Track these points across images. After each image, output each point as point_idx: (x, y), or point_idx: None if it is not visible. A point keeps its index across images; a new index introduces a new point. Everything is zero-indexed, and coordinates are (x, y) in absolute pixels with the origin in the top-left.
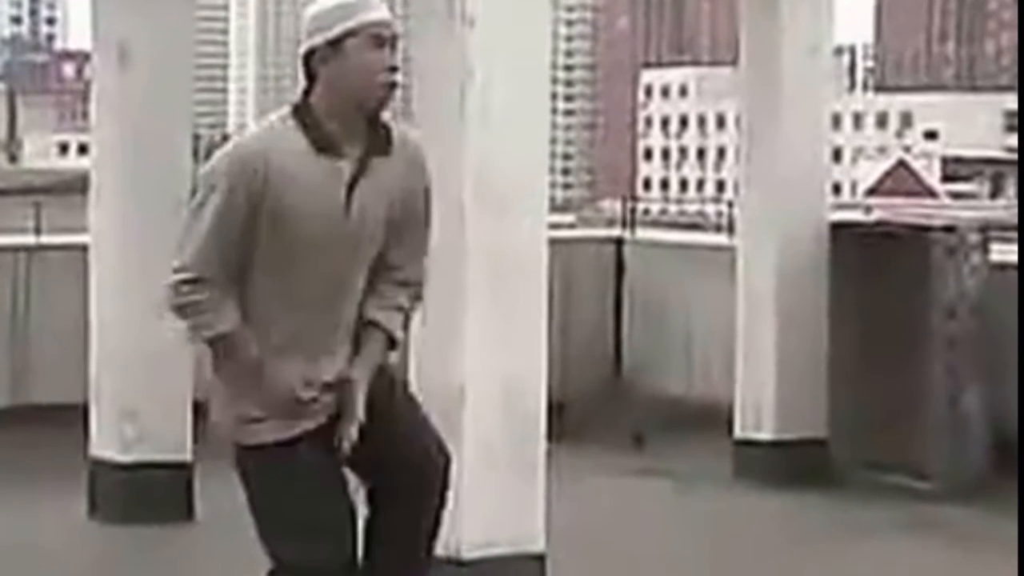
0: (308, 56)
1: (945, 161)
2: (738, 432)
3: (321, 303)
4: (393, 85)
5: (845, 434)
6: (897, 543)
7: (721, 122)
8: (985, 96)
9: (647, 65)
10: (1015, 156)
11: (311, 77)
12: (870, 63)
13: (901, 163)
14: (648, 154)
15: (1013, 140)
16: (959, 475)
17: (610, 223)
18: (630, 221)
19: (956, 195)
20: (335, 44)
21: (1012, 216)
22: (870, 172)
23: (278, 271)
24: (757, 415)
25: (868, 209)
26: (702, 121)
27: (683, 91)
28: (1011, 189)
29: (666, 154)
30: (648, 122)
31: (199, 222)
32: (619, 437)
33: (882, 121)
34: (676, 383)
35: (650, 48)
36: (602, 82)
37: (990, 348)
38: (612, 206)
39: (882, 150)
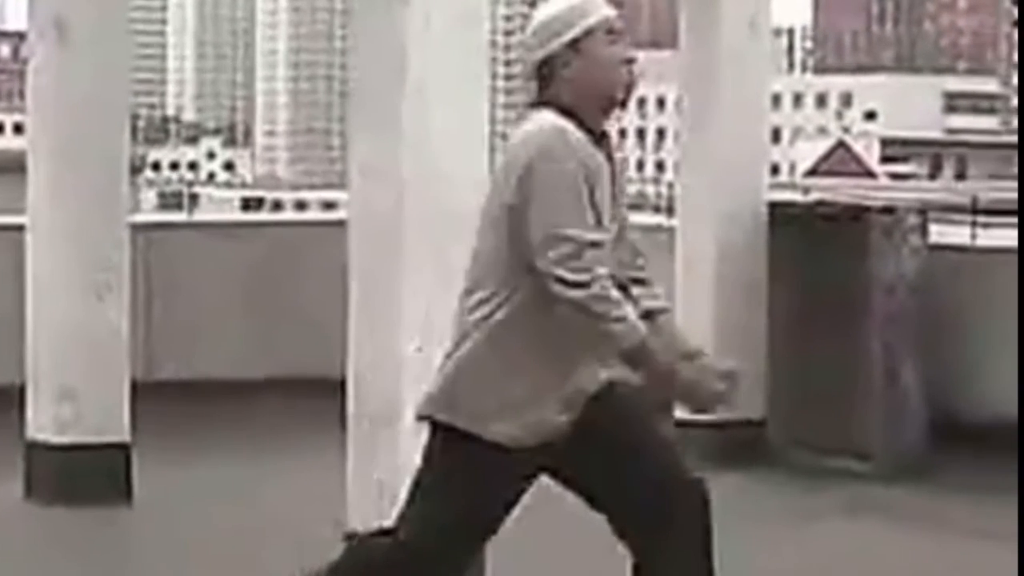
0: (545, 62)
1: (884, 142)
2: (676, 414)
3: None
4: (633, 78)
5: (784, 415)
6: (838, 525)
7: (661, 104)
8: (924, 77)
9: None
10: (954, 137)
11: (546, 83)
12: (810, 44)
13: (840, 144)
14: None
15: (952, 121)
16: (898, 455)
17: None
18: None
19: (895, 176)
20: (574, 45)
21: (950, 197)
22: (809, 153)
23: None
24: None
25: (807, 190)
26: (642, 103)
27: None
28: (949, 170)
29: None
30: None
31: (564, 193)
32: None
33: (822, 102)
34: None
35: None
36: None
37: (928, 328)
38: None
39: (822, 131)
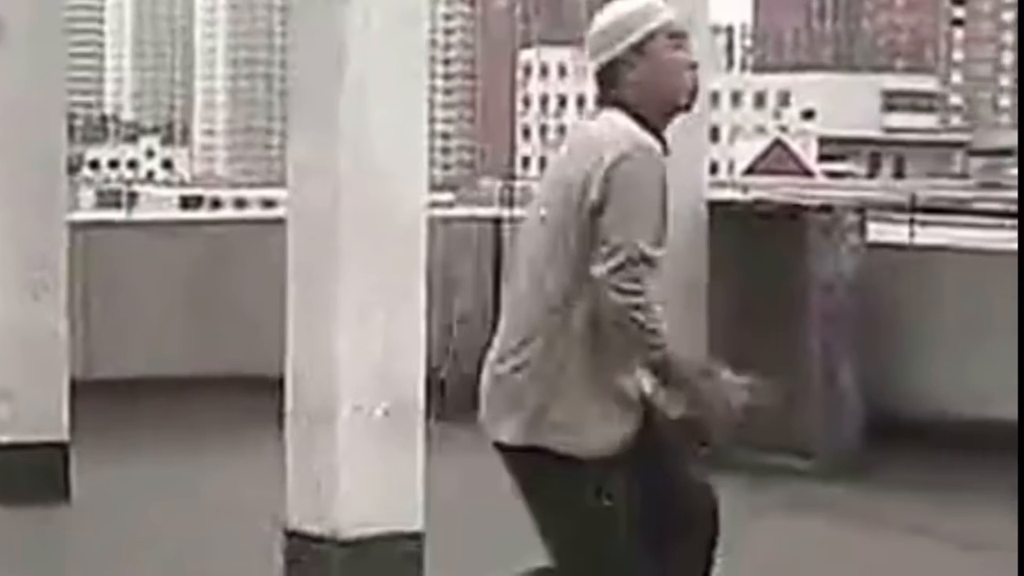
0: (610, 64)
1: (822, 141)
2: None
3: None
4: (696, 83)
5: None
6: (778, 522)
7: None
8: (863, 76)
9: (526, 44)
10: (892, 136)
11: (611, 85)
12: (748, 42)
13: (778, 143)
14: (527, 133)
15: (890, 120)
16: (837, 452)
17: (489, 202)
18: (509, 200)
19: (833, 175)
20: (638, 48)
21: (888, 196)
22: (748, 152)
23: None
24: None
25: (745, 188)
26: (581, 101)
27: (562, 71)
28: (887, 169)
29: (544, 133)
30: (527, 101)
31: (644, 202)
32: None
33: (760, 100)
34: None
35: (529, 27)
36: (481, 62)
37: (866, 326)
38: (491, 185)
39: (760, 130)
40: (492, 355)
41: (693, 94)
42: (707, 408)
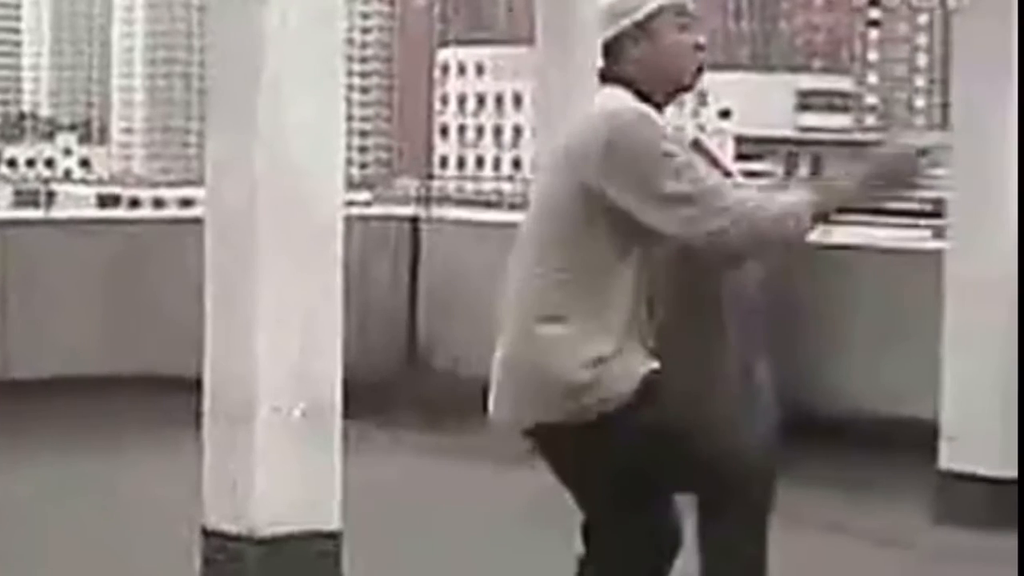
0: (616, 39)
1: (739, 140)
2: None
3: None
4: (701, 64)
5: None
6: (693, 520)
7: (518, 101)
8: (779, 76)
9: (444, 43)
10: (808, 136)
11: (614, 60)
12: None
13: (695, 142)
14: (445, 132)
15: (805, 120)
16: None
17: (407, 201)
18: (426, 199)
19: (750, 174)
20: (643, 25)
21: None
22: None
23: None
24: None
25: None
26: (499, 100)
27: (480, 69)
28: (803, 169)
29: (463, 132)
30: (445, 100)
31: (657, 156)
32: (415, 416)
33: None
34: (472, 361)
35: (447, 26)
36: (398, 60)
37: (782, 324)
38: (409, 184)
39: (678, 129)
40: (503, 340)
41: (697, 74)
42: (889, 176)
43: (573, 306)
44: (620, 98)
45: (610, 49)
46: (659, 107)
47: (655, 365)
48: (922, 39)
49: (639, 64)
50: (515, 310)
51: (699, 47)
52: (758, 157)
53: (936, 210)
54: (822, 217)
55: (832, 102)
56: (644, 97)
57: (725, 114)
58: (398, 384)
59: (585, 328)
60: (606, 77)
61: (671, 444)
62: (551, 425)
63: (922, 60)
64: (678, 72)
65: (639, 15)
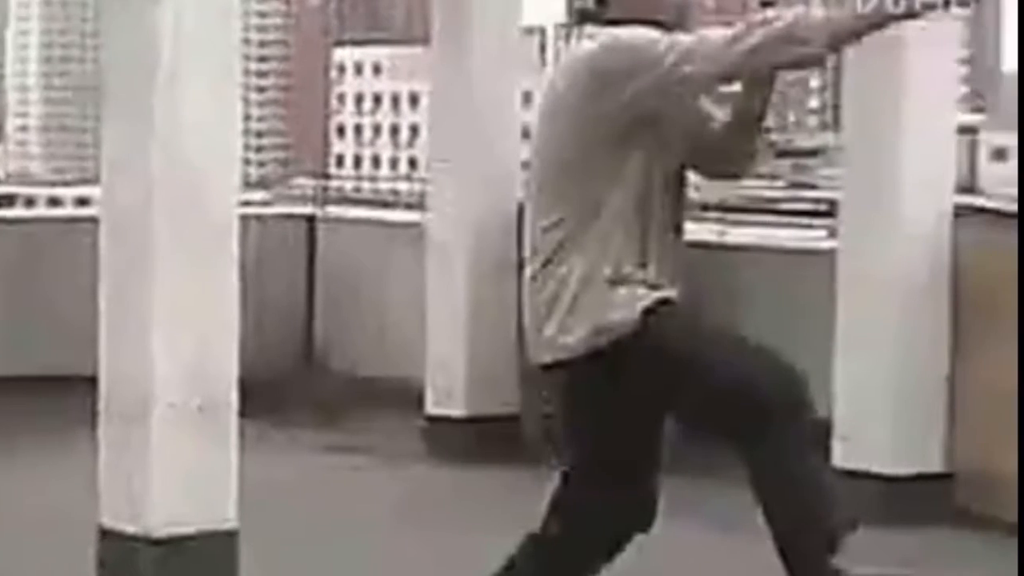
0: None
1: None
2: (430, 408)
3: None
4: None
5: (537, 410)
6: None
7: (414, 100)
8: None
9: (340, 43)
10: None
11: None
12: (562, 43)
13: None
14: (341, 131)
15: None
16: None
17: (303, 200)
18: (322, 198)
19: None
20: None
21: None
22: None
23: (656, 166)
24: (449, 392)
25: None
26: (395, 99)
27: (377, 69)
28: None
29: (359, 131)
30: (341, 99)
31: (643, 39)
32: (312, 415)
33: None
34: (369, 360)
35: (344, 25)
36: (295, 60)
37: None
38: (306, 184)
39: None
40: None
41: (682, 10)
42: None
43: (572, 247)
44: (591, 38)
45: None
46: None
47: (661, 295)
48: None
49: (625, 4)
50: (528, 264)
51: None
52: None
53: (830, 210)
54: (842, 39)
55: (723, 101)
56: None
57: None
58: (294, 383)
59: (586, 262)
60: (589, 15)
61: (688, 375)
62: (559, 361)
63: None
64: (669, 8)
65: None
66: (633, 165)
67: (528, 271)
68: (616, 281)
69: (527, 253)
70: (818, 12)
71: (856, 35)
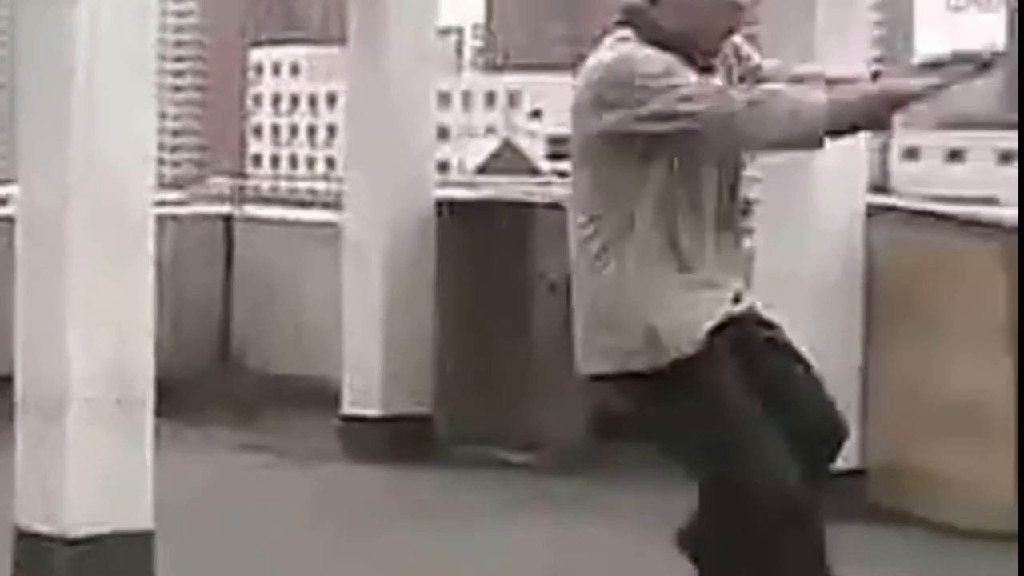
0: None
1: (551, 140)
2: (346, 408)
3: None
4: (735, 24)
5: (452, 409)
6: (501, 517)
7: (332, 100)
8: None
9: (257, 43)
10: None
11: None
12: (479, 43)
13: (508, 142)
14: (258, 132)
15: None
16: (562, 447)
17: (220, 200)
18: (239, 198)
19: (561, 174)
20: None
21: None
22: (479, 151)
23: (684, 178)
24: (365, 391)
25: (476, 187)
26: (313, 99)
27: (294, 69)
28: None
29: (276, 131)
30: (258, 100)
31: (646, 65)
32: (228, 414)
33: (490, 100)
34: (285, 360)
35: (260, 25)
36: (211, 59)
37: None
38: (223, 183)
39: (490, 129)
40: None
41: (727, 35)
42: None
43: (611, 248)
44: (614, 45)
45: None
46: (686, 56)
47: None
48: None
49: (677, 6)
50: (573, 266)
51: (739, 7)
52: (568, 157)
53: (747, 208)
54: (839, 130)
55: None
56: (671, 41)
57: (536, 114)
58: (211, 382)
59: (621, 266)
60: (630, 17)
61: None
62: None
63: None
64: (713, 26)
65: None
66: (657, 176)
67: (573, 280)
68: (663, 288)
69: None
70: (820, 95)
71: (855, 125)
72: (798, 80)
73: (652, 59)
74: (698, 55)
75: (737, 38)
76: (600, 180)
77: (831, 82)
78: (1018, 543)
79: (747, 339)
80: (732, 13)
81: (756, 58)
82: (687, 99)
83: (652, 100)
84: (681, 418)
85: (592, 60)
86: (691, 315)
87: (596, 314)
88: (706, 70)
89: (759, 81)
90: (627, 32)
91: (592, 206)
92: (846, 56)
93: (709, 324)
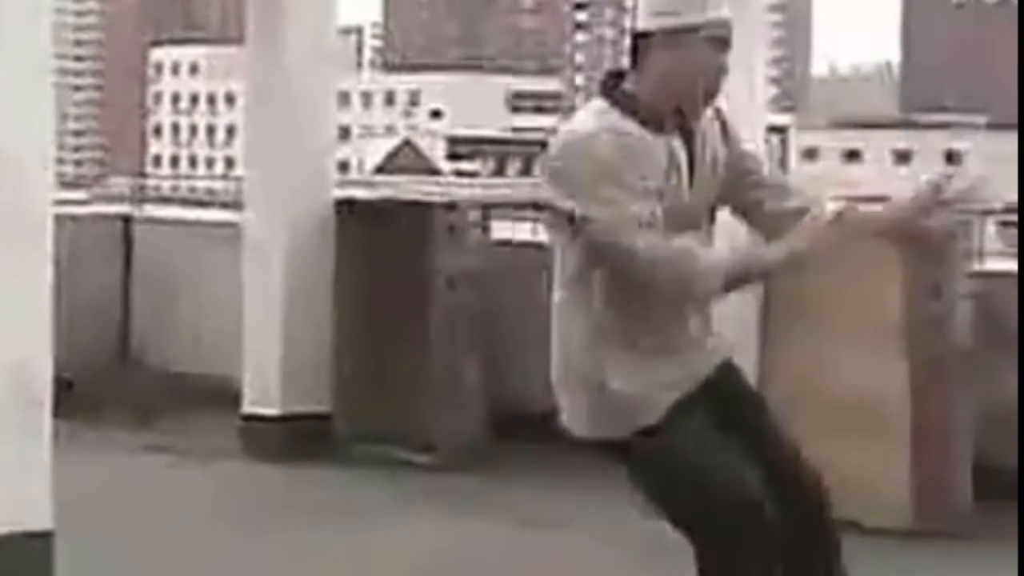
0: (642, 36)
1: (450, 140)
2: (246, 407)
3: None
4: (717, 89)
5: (350, 408)
6: (398, 514)
7: (231, 100)
8: (490, 77)
9: (157, 42)
10: (518, 136)
11: (638, 57)
12: (378, 43)
13: (407, 142)
14: (158, 131)
15: (515, 120)
16: (459, 446)
17: (120, 200)
18: (139, 198)
19: (460, 173)
20: (676, 34)
21: (512, 194)
22: (378, 150)
23: None
24: (264, 390)
25: (375, 186)
26: (212, 99)
27: (194, 68)
28: (514, 168)
29: (176, 131)
30: (158, 99)
31: (616, 204)
32: (127, 414)
33: (390, 100)
34: (185, 359)
35: (160, 25)
36: (111, 59)
37: (488, 321)
38: (122, 183)
39: (389, 129)
40: None
41: (708, 103)
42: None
43: (576, 317)
44: (584, 120)
45: (637, 45)
46: (659, 123)
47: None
48: (628, 41)
49: (656, 72)
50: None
51: (724, 71)
52: (469, 157)
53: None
54: (736, 284)
55: (542, 104)
56: (646, 110)
57: (437, 114)
58: (110, 382)
59: (581, 337)
60: (608, 86)
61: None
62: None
63: (627, 62)
64: (693, 91)
65: (677, 22)
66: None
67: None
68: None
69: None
70: (721, 253)
71: (749, 281)
72: (800, 214)
73: (603, 162)
74: (675, 121)
75: (723, 104)
76: (561, 249)
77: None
78: (1018, 543)
79: (720, 395)
80: (717, 77)
81: (758, 159)
82: (603, 226)
83: (581, 208)
84: (662, 484)
85: (562, 129)
86: (647, 390)
87: (566, 376)
88: (685, 133)
89: (747, 174)
90: (603, 103)
91: (561, 272)
92: (743, 57)
93: (670, 397)
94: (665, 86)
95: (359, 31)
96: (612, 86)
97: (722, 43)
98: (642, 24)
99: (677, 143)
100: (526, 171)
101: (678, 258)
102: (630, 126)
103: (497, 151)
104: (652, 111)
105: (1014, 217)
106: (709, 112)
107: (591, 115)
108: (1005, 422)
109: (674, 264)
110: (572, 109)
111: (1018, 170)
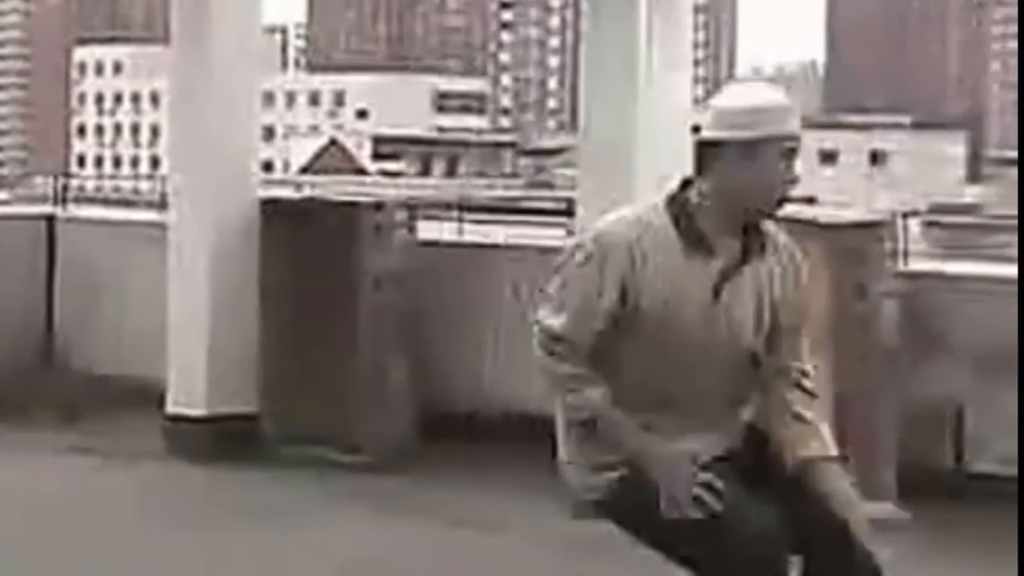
0: (709, 145)
1: (376, 140)
2: (170, 408)
3: (687, 403)
4: (787, 198)
5: (277, 409)
6: (324, 515)
7: (155, 99)
8: (415, 77)
9: (81, 41)
10: (444, 136)
11: (702, 164)
12: (303, 42)
13: (333, 142)
14: (82, 131)
15: (441, 120)
16: (386, 447)
17: (43, 200)
18: (63, 198)
19: (386, 173)
20: (746, 146)
21: (438, 194)
22: (304, 150)
23: (642, 368)
24: (189, 391)
25: (300, 186)
26: (136, 98)
27: (118, 68)
28: (439, 168)
29: (100, 131)
30: (82, 99)
31: (570, 294)
32: (52, 415)
33: (315, 100)
34: (109, 360)
35: (84, 24)
36: (34, 58)
37: (415, 322)
38: (46, 183)
39: (315, 129)
40: None
41: (774, 212)
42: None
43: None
44: (636, 214)
45: (704, 153)
46: (705, 238)
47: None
48: (554, 42)
49: (720, 182)
50: None
51: (792, 181)
52: (395, 157)
53: (570, 208)
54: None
55: (468, 104)
56: (695, 216)
57: (362, 114)
58: (33, 384)
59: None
60: (674, 199)
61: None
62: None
63: (554, 62)
64: (760, 201)
65: (746, 135)
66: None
67: None
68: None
69: None
70: (615, 415)
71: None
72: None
73: (587, 278)
74: (729, 236)
75: (782, 236)
76: None
77: None
78: (1018, 542)
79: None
80: (785, 187)
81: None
82: (546, 337)
83: (556, 298)
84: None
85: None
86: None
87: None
88: (743, 251)
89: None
90: (658, 202)
91: None
92: (669, 58)
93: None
94: (727, 195)
95: (284, 31)
96: (675, 193)
97: (794, 154)
98: (713, 134)
99: (715, 264)
100: (451, 171)
101: (576, 383)
102: (664, 235)
103: (422, 151)
104: (697, 221)
105: (938, 217)
106: (786, 257)
107: (636, 211)
108: (930, 422)
109: (570, 388)
110: (497, 109)
111: (1018, 171)
